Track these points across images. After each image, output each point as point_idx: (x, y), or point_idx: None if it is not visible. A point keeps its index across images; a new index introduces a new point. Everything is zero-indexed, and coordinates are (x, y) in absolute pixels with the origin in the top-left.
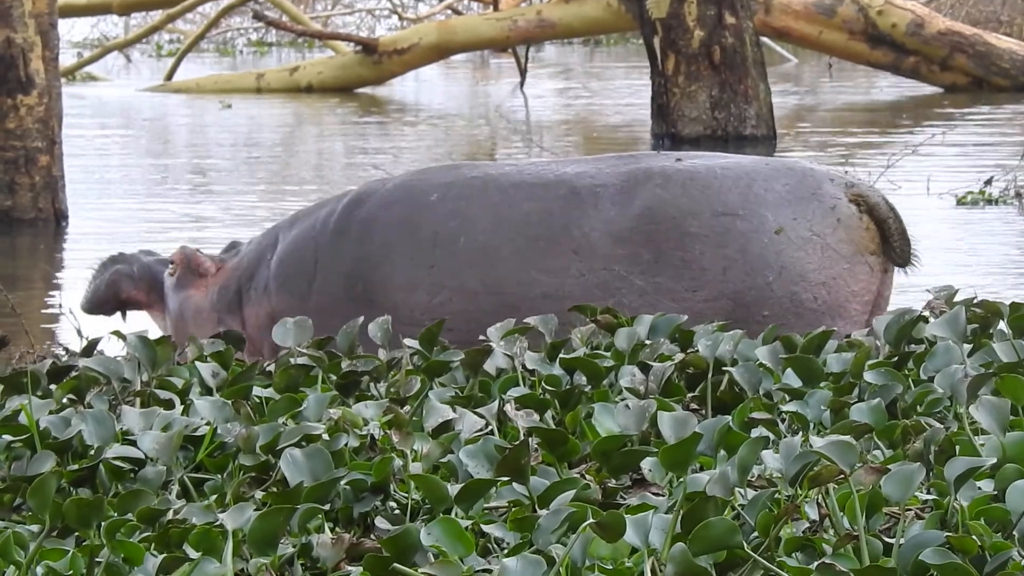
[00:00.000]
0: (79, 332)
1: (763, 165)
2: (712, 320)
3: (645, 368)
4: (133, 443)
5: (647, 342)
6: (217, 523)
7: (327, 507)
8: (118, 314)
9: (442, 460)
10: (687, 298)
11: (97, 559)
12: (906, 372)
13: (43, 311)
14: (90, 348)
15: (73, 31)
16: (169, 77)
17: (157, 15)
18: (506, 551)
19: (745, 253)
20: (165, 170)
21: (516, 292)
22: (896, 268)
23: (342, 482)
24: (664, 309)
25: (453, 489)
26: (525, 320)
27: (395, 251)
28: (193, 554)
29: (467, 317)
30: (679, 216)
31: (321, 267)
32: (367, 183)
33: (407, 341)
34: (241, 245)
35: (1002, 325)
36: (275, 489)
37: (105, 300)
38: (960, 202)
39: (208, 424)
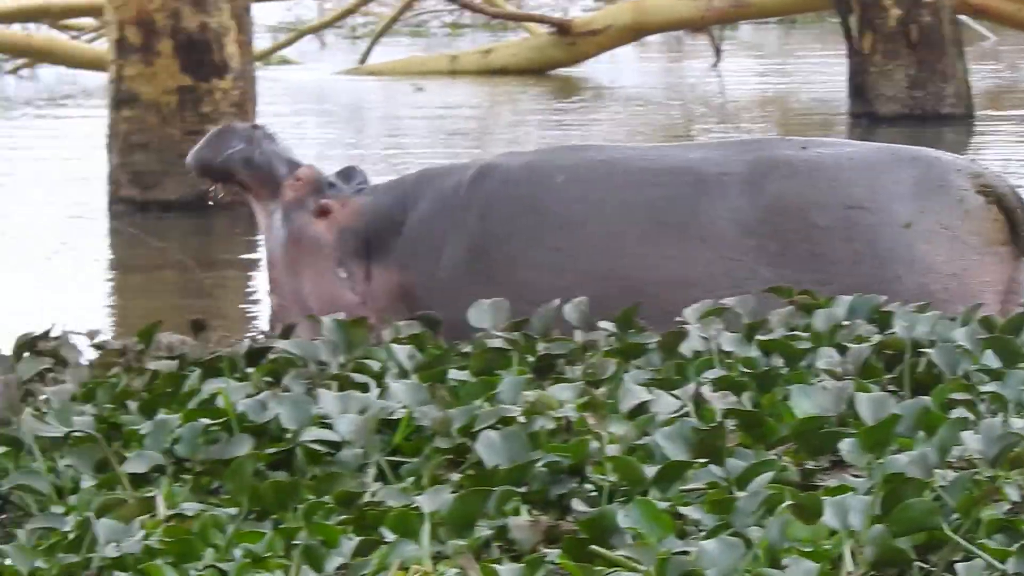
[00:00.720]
0: (274, 315)
1: (889, 154)
2: None
3: (842, 349)
4: (329, 426)
5: (844, 323)
6: (414, 505)
7: (523, 489)
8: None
9: (638, 442)
10: (817, 291)
11: (294, 541)
12: None
13: (241, 293)
14: (287, 331)
15: (268, 15)
16: (363, 60)
17: None
18: (704, 533)
19: (874, 247)
20: (361, 153)
21: (642, 278)
22: None
23: (538, 464)
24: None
25: (650, 471)
26: (721, 301)
27: (519, 231)
28: (390, 536)
29: (592, 301)
30: (806, 208)
31: (448, 242)
32: (494, 156)
33: (602, 323)
34: (360, 176)
35: None
36: (471, 472)
37: (213, 172)
38: None
39: (404, 407)
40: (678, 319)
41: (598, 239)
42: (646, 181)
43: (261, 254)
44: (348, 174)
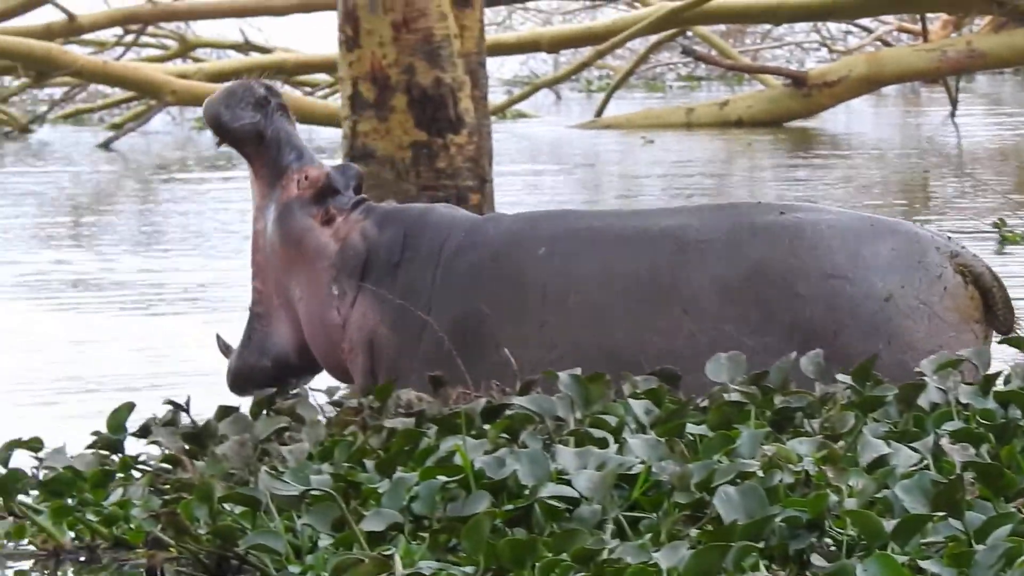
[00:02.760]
0: (515, 372)
1: (868, 225)
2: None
3: None
4: (568, 482)
5: None
6: (652, 562)
7: (762, 544)
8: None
9: (877, 495)
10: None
11: None
12: None
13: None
14: (526, 387)
15: (503, 69)
16: (599, 113)
17: (586, 51)
18: None
19: (856, 318)
20: (596, 205)
21: (629, 351)
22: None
23: (777, 519)
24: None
25: (889, 525)
26: (958, 352)
27: (504, 306)
28: None
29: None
30: (788, 276)
31: (433, 315)
32: (482, 220)
33: (839, 376)
34: (352, 171)
35: None
36: (710, 527)
37: (223, 134)
38: None
39: (642, 462)
40: (917, 370)
41: (583, 313)
42: (628, 251)
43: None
44: (344, 170)
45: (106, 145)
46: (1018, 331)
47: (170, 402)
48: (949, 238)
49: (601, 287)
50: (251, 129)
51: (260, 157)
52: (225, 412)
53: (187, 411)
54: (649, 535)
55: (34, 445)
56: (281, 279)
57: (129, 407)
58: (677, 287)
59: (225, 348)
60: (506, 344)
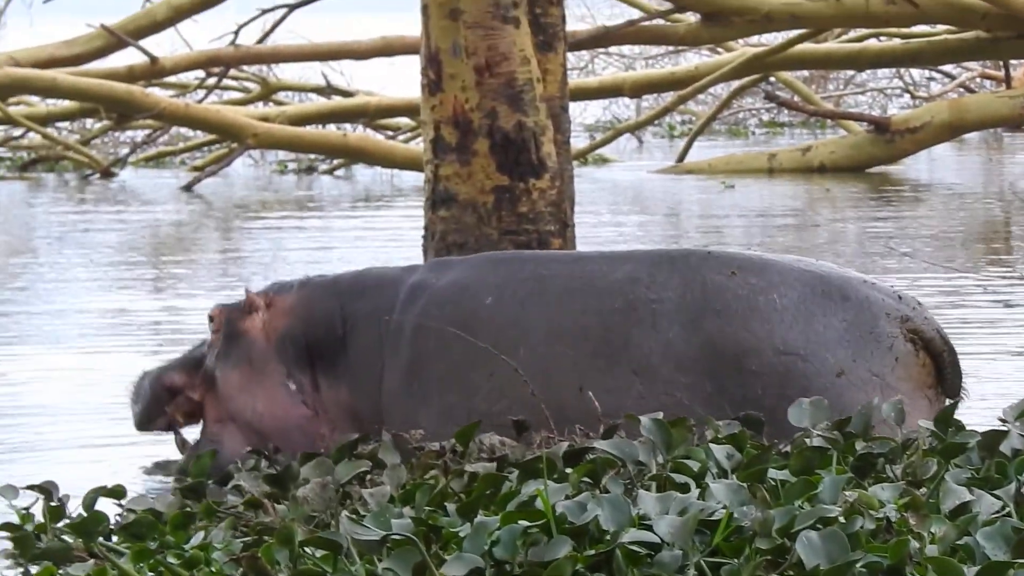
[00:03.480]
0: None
1: (819, 291)
2: None
3: None
4: (649, 527)
5: None
6: None
7: None
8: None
9: (959, 542)
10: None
11: None
12: None
13: None
14: (609, 432)
15: (585, 113)
16: (681, 158)
17: (669, 96)
18: None
19: (807, 394)
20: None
21: (576, 408)
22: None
23: (858, 565)
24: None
25: (970, 572)
26: None
27: (452, 354)
28: None
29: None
30: (740, 353)
31: (387, 368)
32: (424, 271)
33: (921, 422)
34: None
35: None
36: (791, 573)
37: (153, 411)
38: None
39: (724, 507)
40: (1000, 417)
41: (531, 366)
42: (576, 306)
43: None
44: (282, 288)
45: (188, 188)
46: (964, 395)
47: (253, 450)
48: (900, 297)
49: (549, 341)
50: (152, 380)
51: (185, 376)
52: (308, 456)
53: (269, 457)
54: None
55: (117, 492)
56: (242, 410)
57: (212, 453)
58: (627, 349)
59: (182, 444)
60: (454, 392)
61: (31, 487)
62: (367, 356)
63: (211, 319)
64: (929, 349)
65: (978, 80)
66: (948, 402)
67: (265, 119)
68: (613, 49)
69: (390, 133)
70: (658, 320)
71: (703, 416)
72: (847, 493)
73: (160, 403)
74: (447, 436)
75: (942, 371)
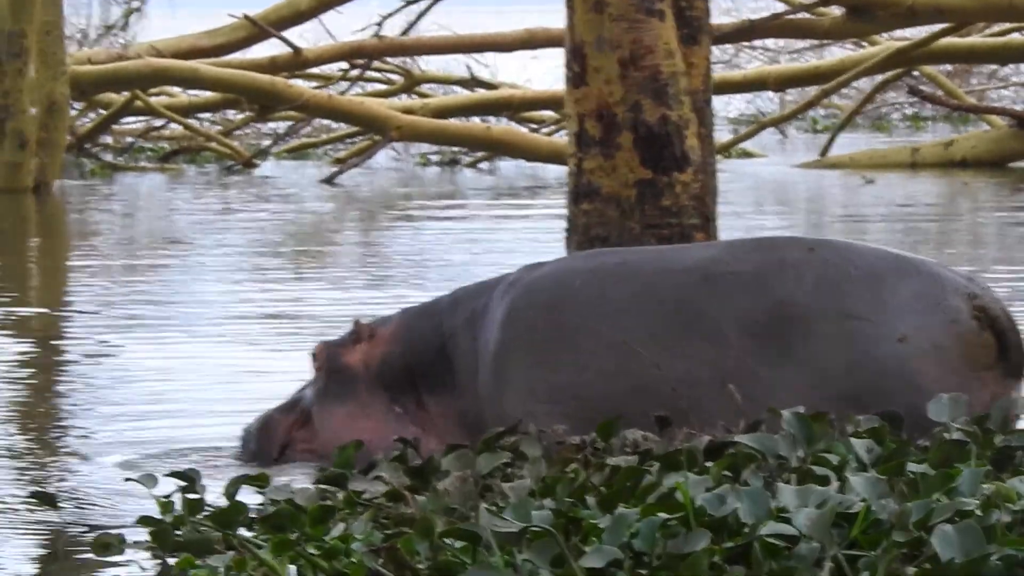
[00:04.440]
0: (739, 410)
1: (893, 266)
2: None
3: None
4: (787, 520)
5: None
6: None
7: None
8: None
9: None
10: (809, 394)
11: None
12: None
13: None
14: (754, 426)
15: (729, 107)
16: (824, 152)
17: (812, 90)
18: None
19: (869, 358)
20: None
21: (650, 376)
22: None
23: (994, 557)
24: (786, 402)
25: None
26: None
27: (539, 334)
28: None
29: (605, 398)
30: (808, 315)
31: (480, 360)
32: (518, 270)
33: None
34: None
35: None
36: (927, 566)
37: (266, 454)
38: None
39: (863, 501)
40: None
41: (611, 337)
42: (656, 280)
43: None
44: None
45: (330, 180)
46: None
47: (401, 439)
48: (971, 279)
49: (628, 314)
50: (264, 428)
51: (299, 423)
52: (450, 448)
53: (416, 448)
54: (867, 573)
55: (260, 482)
56: (339, 442)
57: (357, 444)
58: (700, 317)
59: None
60: (538, 370)
61: (173, 474)
62: (465, 358)
63: (314, 357)
64: (994, 327)
65: None
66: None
67: (408, 111)
68: (757, 43)
69: (534, 126)
70: (732, 289)
71: (767, 379)
72: (985, 486)
73: (270, 451)
74: (533, 416)
75: (1006, 350)
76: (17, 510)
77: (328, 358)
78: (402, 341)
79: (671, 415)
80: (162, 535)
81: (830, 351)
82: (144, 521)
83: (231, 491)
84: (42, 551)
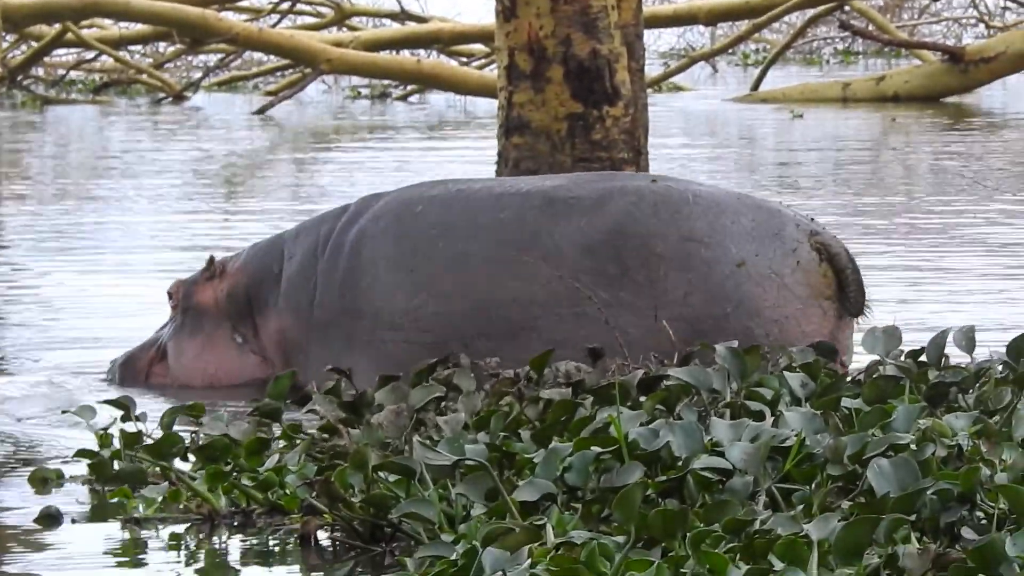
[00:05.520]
0: (672, 342)
1: (734, 199)
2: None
3: None
4: (721, 454)
5: None
6: (802, 533)
7: (913, 517)
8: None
9: None
10: (647, 316)
11: (682, 570)
12: None
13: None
14: (685, 359)
15: (659, 41)
16: (755, 87)
17: (743, 25)
18: None
19: (707, 281)
20: (755, 183)
21: (487, 295)
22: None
23: (928, 491)
24: (625, 324)
25: None
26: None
27: (379, 259)
28: (778, 565)
29: (442, 319)
30: (647, 236)
31: (320, 285)
32: (361, 200)
33: (992, 350)
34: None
35: None
36: (861, 499)
37: (127, 388)
38: None
39: (797, 435)
40: None
41: (448, 260)
42: (495, 204)
43: None
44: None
45: (261, 112)
46: (867, 314)
47: (334, 369)
48: (812, 219)
49: (467, 236)
50: (122, 367)
51: (156, 357)
52: (384, 381)
53: (350, 378)
54: (801, 507)
55: (196, 412)
56: (187, 376)
57: (291, 375)
58: (539, 237)
59: None
60: (379, 294)
61: (108, 402)
62: (300, 277)
63: (170, 295)
64: (833, 263)
65: None
66: (853, 320)
67: (339, 44)
68: None
69: (464, 59)
70: (572, 212)
71: (605, 300)
72: (920, 422)
73: (131, 386)
74: (381, 342)
75: (844, 287)
76: None
77: (183, 296)
78: (247, 272)
79: (511, 333)
80: (100, 467)
81: (668, 274)
82: (83, 454)
83: (167, 422)
84: None
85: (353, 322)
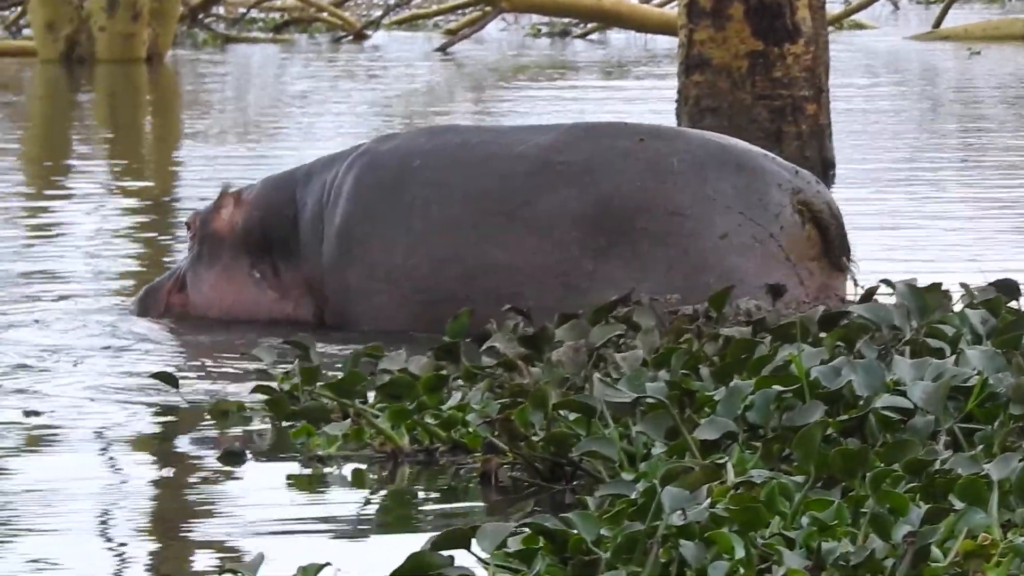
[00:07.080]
0: (854, 281)
1: (718, 159)
2: None
3: None
4: (903, 393)
5: None
6: (983, 473)
7: None
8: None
9: None
10: (630, 289)
11: (862, 509)
12: None
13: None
14: (868, 295)
15: None
16: (937, 24)
17: None
18: None
19: (688, 254)
20: (933, 119)
21: (474, 263)
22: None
23: None
24: (609, 296)
25: None
26: None
27: (379, 212)
28: (958, 505)
29: (432, 283)
30: (632, 210)
31: (325, 231)
32: (368, 143)
33: None
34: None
35: None
36: None
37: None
38: None
39: (978, 373)
40: None
41: (441, 224)
42: (489, 170)
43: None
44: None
45: (442, 50)
46: (853, 269)
47: (512, 308)
48: (797, 172)
49: (459, 200)
50: (143, 299)
51: (176, 288)
52: (564, 318)
53: (528, 316)
54: (982, 447)
55: (375, 352)
56: (205, 304)
57: (468, 313)
58: (527, 206)
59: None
60: (375, 249)
61: (288, 342)
62: (312, 227)
63: (188, 226)
64: (817, 222)
65: None
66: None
67: None
68: None
69: None
70: (560, 180)
71: (590, 272)
72: None
73: (152, 316)
74: (373, 293)
75: (828, 244)
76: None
77: (200, 224)
78: (261, 207)
79: (498, 303)
80: (278, 404)
81: (653, 247)
82: (261, 390)
83: (352, 361)
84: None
85: (353, 272)
